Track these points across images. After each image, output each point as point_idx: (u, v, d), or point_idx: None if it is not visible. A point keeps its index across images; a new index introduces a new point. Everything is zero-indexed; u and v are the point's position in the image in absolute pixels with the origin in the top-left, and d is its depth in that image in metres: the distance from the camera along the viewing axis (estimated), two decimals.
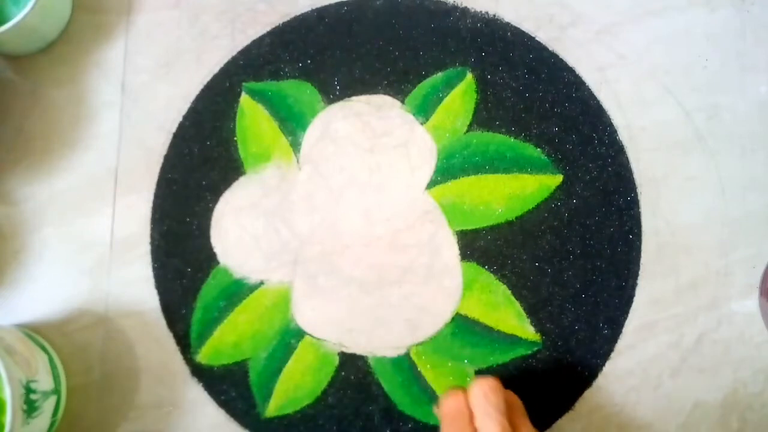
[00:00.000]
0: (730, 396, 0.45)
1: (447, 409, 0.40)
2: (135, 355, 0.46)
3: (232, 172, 0.49)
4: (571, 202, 0.48)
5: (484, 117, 0.49)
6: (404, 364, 0.46)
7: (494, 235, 0.47)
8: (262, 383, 0.46)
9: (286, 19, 0.51)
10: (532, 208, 0.48)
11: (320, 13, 0.51)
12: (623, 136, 0.49)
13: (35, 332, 0.45)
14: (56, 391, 0.43)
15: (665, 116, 0.49)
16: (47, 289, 0.47)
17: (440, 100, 0.49)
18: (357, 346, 0.46)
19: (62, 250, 0.48)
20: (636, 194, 0.48)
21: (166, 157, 0.49)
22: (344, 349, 0.46)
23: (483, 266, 0.47)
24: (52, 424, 0.42)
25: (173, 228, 0.48)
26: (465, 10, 0.51)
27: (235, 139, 0.49)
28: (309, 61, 0.50)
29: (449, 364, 0.46)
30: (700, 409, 0.45)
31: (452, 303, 0.46)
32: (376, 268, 0.47)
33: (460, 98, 0.49)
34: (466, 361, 0.46)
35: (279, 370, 0.46)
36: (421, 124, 0.49)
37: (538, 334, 0.46)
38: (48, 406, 0.41)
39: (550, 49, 0.50)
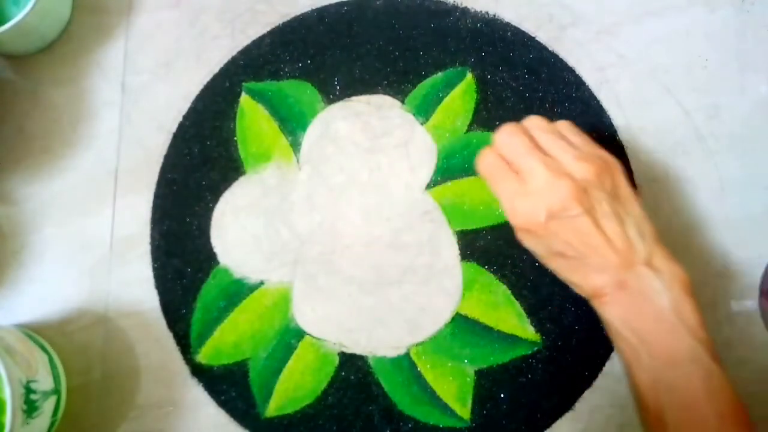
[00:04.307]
0: None
1: (485, 169, 0.41)
2: (135, 355, 0.46)
3: (232, 172, 0.49)
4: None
5: (484, 117, 0.49)
6: (404, 364, 0.46)
7: (494, 235, 0.47)
8: (262, 383, 0.46)
9: (286, 19, 0.51)
10: None
11: (320, 13, 0.51)
12: (623, 136, 0.49)
13: (35, 332, 0.45)
14: (56, 391, 0.43)
15: (665, 116, 0.49)
16: (47, 289, 0.47)
17: (440, 100, 0.49)
18: (357, 346, 0.46)
19: (62, 250, 0.48)
20: None
21: (166, 157, 0.49)
22: (344, 349, 0.46)
23: (483, 266, 0.47)
24: (52, 424, 0.42)
25: (173, 228, 0.48)
26: (465, 10, 0.51)
27: (235, 139, 0.49)
28: (309, 61, 0.50)
29: (449, 364, 0.46)
30: None
31: (452, 303, 0.46)
32: (376, 268, 0.47)
33: (460, 98, 0.49)
34: (466, 361, 0.46)
35: (279, 370, 0.46)
36: (421, 124, 0.49)
37: (538, 334, 0.46)
38: (48, 406, 0.41)
39: (550, 49, 0.50)
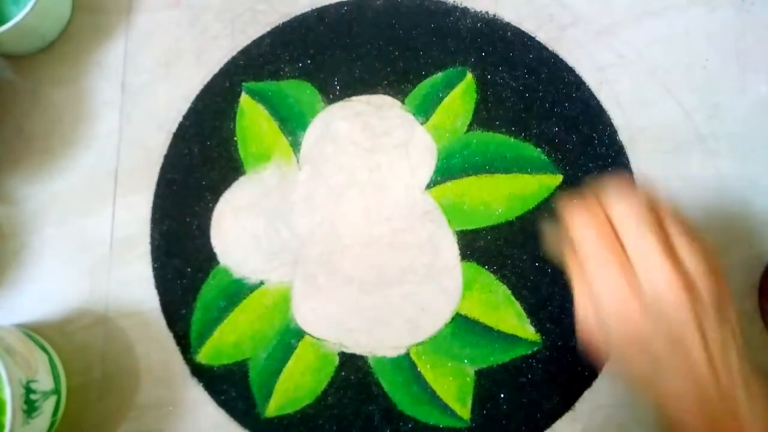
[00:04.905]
0: None
1: (584, 234, 0.33)
2: (135, 355, 0.46)
3: (232, 172, 0.49)
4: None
5: (484, 117, 0.49)
6: (404, 364, 0.46)
7: (494, 235, 0.47)
8: (262, 383, 0.46)
9: (286, 19, 0.51)
10: (532, 208, 0.48)
11: (320, 13, 0.51)
12: (623, 136, 0.49)
13: (35, 332, 0.45)
14: (56, 391, 0.43)
15: (665, 116, 0.49)
16: (47, 289, 0.47)
17: (440, 100, 0.49)
18: (357, 346, 0.46)
19: (62, 250, 0.48)
20: None
21: (166, 157, 0.49)
22: (344, 349, 0.46)
23: (483, 266, 0.47)
24: (52, 424, 0.42)
25: (173, 228, 0.48)
26: (465, 10, 0.51)
27: (235, 139, 0.49)
28: (309, 61, 0.50)
29: (449, 364, 0.46)
30: None
31: (452, 303, 0.46)
32: (376, 268, 0.47)
33: (460, 98, 0.49)
34: (466, 361, 0.46)
35: (279, 370, 0.46)
36: (421, 124, 0.49)
37: (538, 334, 0.46)
38: (48, 406, 0.41)
39: (550, 49, 0.50)
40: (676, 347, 0.32)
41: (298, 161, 0.49)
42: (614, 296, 0.33)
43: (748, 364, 0.34)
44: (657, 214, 0.33)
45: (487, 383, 0.45)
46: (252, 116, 0.50)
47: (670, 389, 0.33)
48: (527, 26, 0.51)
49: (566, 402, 0.45)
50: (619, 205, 0.33)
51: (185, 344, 0.46)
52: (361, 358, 0.46)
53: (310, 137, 0.49)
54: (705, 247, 0.34)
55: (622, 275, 0.32)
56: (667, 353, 0.33)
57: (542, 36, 0.50)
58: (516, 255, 0.47)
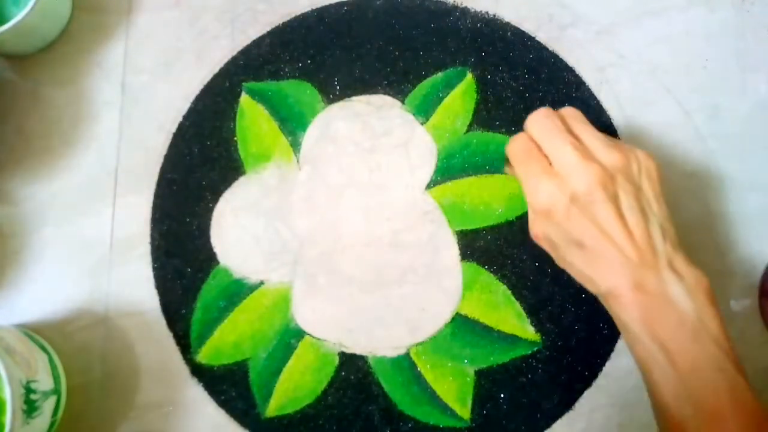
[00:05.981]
0: None
1: (514, 151, 0.41)
2: (135, 355, 0.46)
3: (232, 172, 0.49)
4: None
5: (484, 117, 0.49)
6: (404, 364, 0.46)
7: (494, 235, 0.47)
8: (262, 383, 0.46)
9: (286, 19, 0.51)
10: None
11: (320, 13, 0.51)
12: (623, 136, 0.49)
13: (35, 332, 0.45)
14: (56, 391, 0.43)
15: (665, 116, 0.49)
16: (47, 289, 0.47)
17: (440, 100, 0.49)
18: (357, 346, 0.46)
19: (62, 250, 0.48)
20: None
21: (166, 157, 0.49)
22: (344, 349, 0.46)
23: (483, 266, 0.47)
24: (52, 424, 0.42)
25: (173, 228, 0.48)
26: (465, 10, 0.51)
27: (235, 139, 0.49)
28: (309, 61, 0.50)
29: (449, 364, 0.46)
30: None
31: (452, 303, 0.46)
32: (376, 268, 0.47)
33: (460, 98, 0.49)
34: (466, 361, 0.46)
35: (279, 370, 0.46)
36: (421, 124, 0.49)
37: (538, 334, 0.46)
38: (48, 406, 0.41)
39: (550, 49, 0.50)
40: (598, 229, 0.37)
41: (298, 161, 0.49)
42: (542, 197, 0.38)
43: (676, 245, 0.38)
44: (563, 121, 0.40)
45: (487, 383, 0.45)
46: (252, 116, 0.50)
47: (601, 271, 0.37)
48: (527, 26, 0.51)
49: (566, 402, 0.45)
50: (533, 124, 0.40)
51: (185, 344, 0.46)
52: (361, 358, 0.46)
53: (310, 137, 0.49)
54: (608, 138, 0.40)
55: (544, 176, 0.38)
56: (590, 238, 0.37)
57: (542, 36, 0.50)
58: (516, 255, 0.47)
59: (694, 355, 0.35)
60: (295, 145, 0.49)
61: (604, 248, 0.37)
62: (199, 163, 0.49)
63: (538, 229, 0.40)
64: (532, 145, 0.40)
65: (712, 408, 0.35)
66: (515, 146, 0.41)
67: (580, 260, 0.38)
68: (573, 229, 0.38)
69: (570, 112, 0.41)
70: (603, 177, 0.37)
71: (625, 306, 0.37)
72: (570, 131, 0.39)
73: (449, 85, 0.50)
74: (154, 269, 0.48)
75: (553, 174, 0.38)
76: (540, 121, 0.40)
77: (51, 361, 0.44)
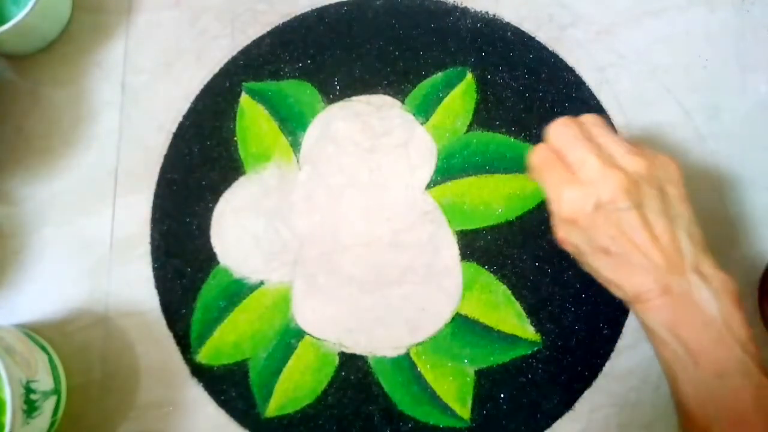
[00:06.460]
0: None
1: (536, 161, 0.40)
2: (135, 355, 0.46)
3: (232, 172, 0.49)
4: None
5: (484, 117, 0.49)
6: (404, 364, 0.46)
7: (494, 235, 0.47)
8: (262, 383, 0.46)
9: (286, 19, 0.51)
10: (532, 208, 0.48)
11: (320, 13, 0.51)
12: (623, 136, 0.49)
13: (35, 332, 0.45)
14: (56, 391, 0.43)
15: (665, 116, 0.49)
16: (47, 289, 0.47)
17: (440, 100, 0.49)
18: (357, 346, 0.46)
19: (62, 250, 0.48)
20: None
21: (166, 157, 0.49)
22: (344, 349, 0.46)
23: (483, 266, 0.47)
24: (52, 424, 0.42)
25: (173, 228, 0.48)
26: (465, 10, 0.51)
27: (235, 139, 0.49)
28: (309, 61, 0.50)
29: (449, 364, 0.46)
30: None
31: (452, 303, 0.46)
32: (376, 268, 0.47)
33: (460, 98, 0.49)
34: (466, 361, 0.46)
35: (279, 370, 0.46)
36: (421, 124, 0.49)
37: (538, 334, 0.46)
38: (48, 406, 0.41)
39: (550, 49, 0.50)
40: (623, 236, 0.37)
41: (298, 161, 0.49)
42: (567, 206, 0.38)
43: (704, 248, 0.38)
44: (584, 129, 0.40)
45: (487, 383, 0.45)
46: (252, 116, 0.50)
47: (627, 277, 0.38)
48: (527, 26, 0.51)
49: (566, 402, 0.45)
50: (554, 134, 0.40)
51: (185, 344, 0.46)
52: (361, 358, 0.46)
53: (310, 137, 0.49)
54: (630, 144, 0.39)
55: (567, 185, 0.38)
56: (616, 245, 0.37)
57: (542, 36, 0.50)
58: (516, 255, 0.47)
59: (719, 358, 0.35)
60: (295, 145, 0.49)
61: (631, 254, 0.37)
62: (199, 163, 0.49)
63: (563, 235, 0.40)
64: (554, 155, 0.40)
65: (736, 411, 0.35)
66: (537, 156, 0.40)
67: (607, 266, 0.38)
68: (598, 236, 0.38)
69: (590, 119, 0.41)
70: (626, 183, 0.37)
71: (651, 310, 0.37)
72: (591, 138, 0.39)
73: (449, 85, 0.50)
74: (154, 269, 0.48)
75: (576, 182, 0.38)
76: (560, 130, 0.40)
77: (51, 361, 0.44)
